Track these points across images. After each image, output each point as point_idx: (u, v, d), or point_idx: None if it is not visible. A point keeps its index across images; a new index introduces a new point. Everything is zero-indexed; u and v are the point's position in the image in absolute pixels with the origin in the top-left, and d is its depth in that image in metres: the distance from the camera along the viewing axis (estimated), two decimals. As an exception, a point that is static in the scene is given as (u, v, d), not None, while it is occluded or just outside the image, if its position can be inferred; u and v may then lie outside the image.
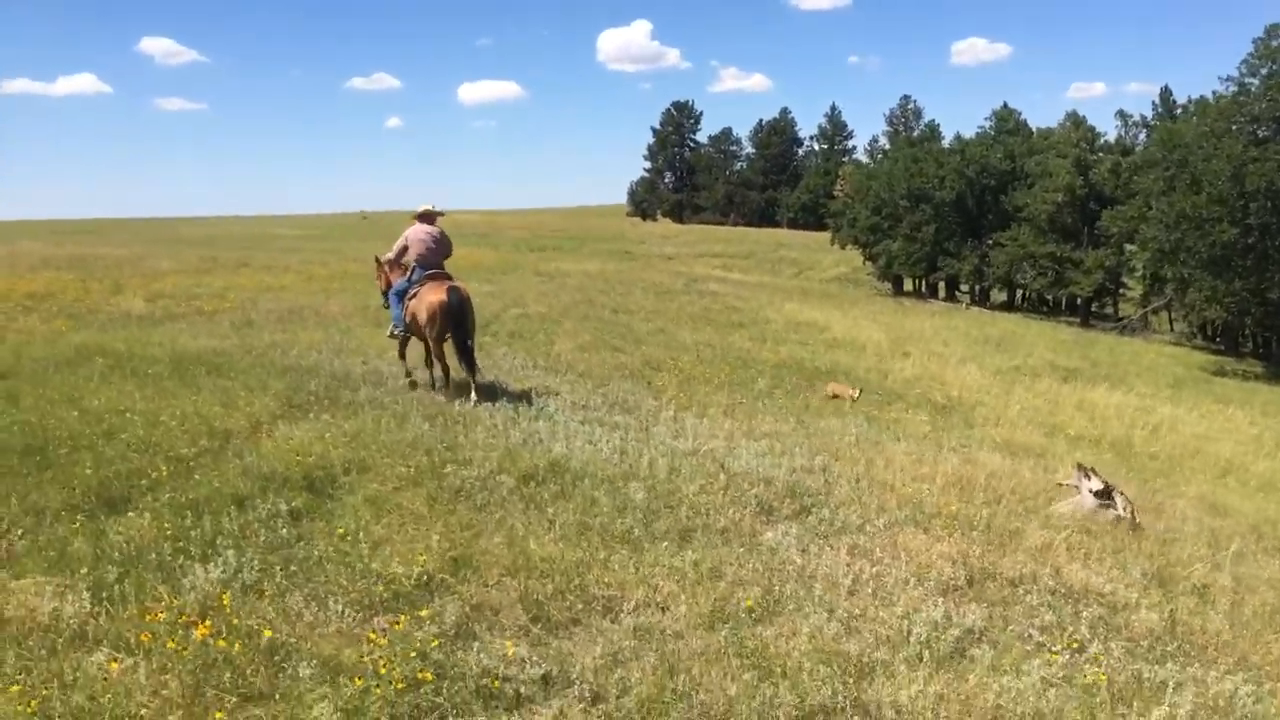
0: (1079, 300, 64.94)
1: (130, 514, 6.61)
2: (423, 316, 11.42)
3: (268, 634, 4.78)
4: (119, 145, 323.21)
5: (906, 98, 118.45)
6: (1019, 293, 73.41)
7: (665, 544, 6.92)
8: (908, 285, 76.26)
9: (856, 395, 16.71)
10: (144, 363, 12.31)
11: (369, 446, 8.78)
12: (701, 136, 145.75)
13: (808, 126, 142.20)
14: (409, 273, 12.10)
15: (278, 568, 5.83)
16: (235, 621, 4.89)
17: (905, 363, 23.37)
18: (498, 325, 20.71)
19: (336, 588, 5.64)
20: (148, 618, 4.94)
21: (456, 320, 11.35)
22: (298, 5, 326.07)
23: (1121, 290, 66.04)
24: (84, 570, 5.56)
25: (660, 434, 10.67)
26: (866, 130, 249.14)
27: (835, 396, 16.76)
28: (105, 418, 9.17)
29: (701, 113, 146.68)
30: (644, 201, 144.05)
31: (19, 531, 6.30)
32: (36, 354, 12.88)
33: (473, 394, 11.39)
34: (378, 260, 13.44)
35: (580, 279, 36.73)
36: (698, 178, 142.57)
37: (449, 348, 11.72)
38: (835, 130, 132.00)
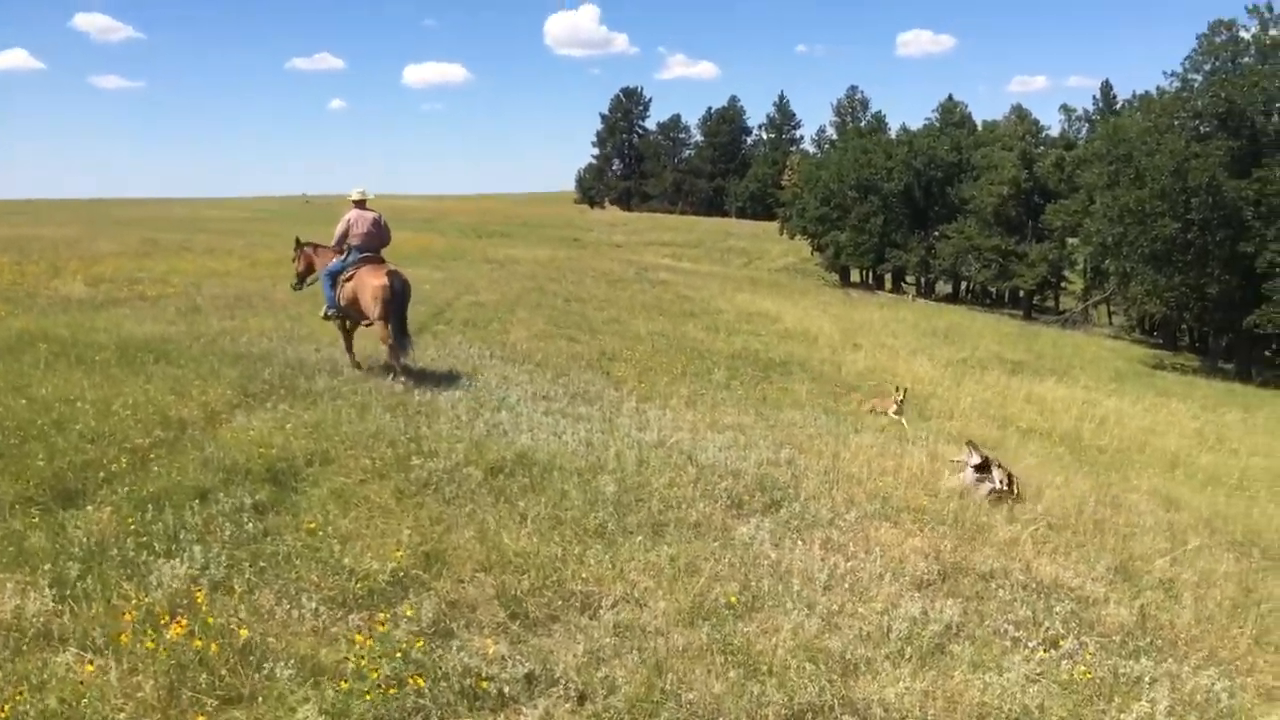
0: (1021, 293, 66.05)
1: (89, 507, 6.37)
2: (366, 298, 11.56)
3: (244, 633, 4.63)
4: (53, 123, 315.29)
5: (854, 88, 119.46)
6: (963, 285, 74.47)
7: (639, 538, 6.86)
8: (854, 276, 77.03)
9: (900, 404, 14.70)
10: (89, 349, 11.93)
11: (331, 438, 8.61)
12: (650, 124, 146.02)
13: (756, 115, 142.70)
14: (345, 255, 12.15)
15: (246, 564, 5.67)
16: (210, 620, 4.73)
17: (857, 355, 23.50)
18: (451, 313, 20.49)
19: (308, 584, 5.49)
20: (121, 616, 4.75)
21: (399, 304, 11.61)
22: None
23: (1063, 284, 67.33)
24: (45, 566, 5.35)
25: (624, 425, 10.60)
26: (815, 120, 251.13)
27: (874, 411, 14.36)
28: (54, 406, 8.86)
29: (650, 99, 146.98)
30: (592, 189, 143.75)
31: (-30, 526, 6.05)
32: (-24, 340, 12.42)
33: (400, 376, 11.62)
34: (298, 242, 13.45)
35: (530, 266, 36.49)
36: (646, 165, 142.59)
37: (378, 329, 11.81)
38: (783, 119, 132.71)
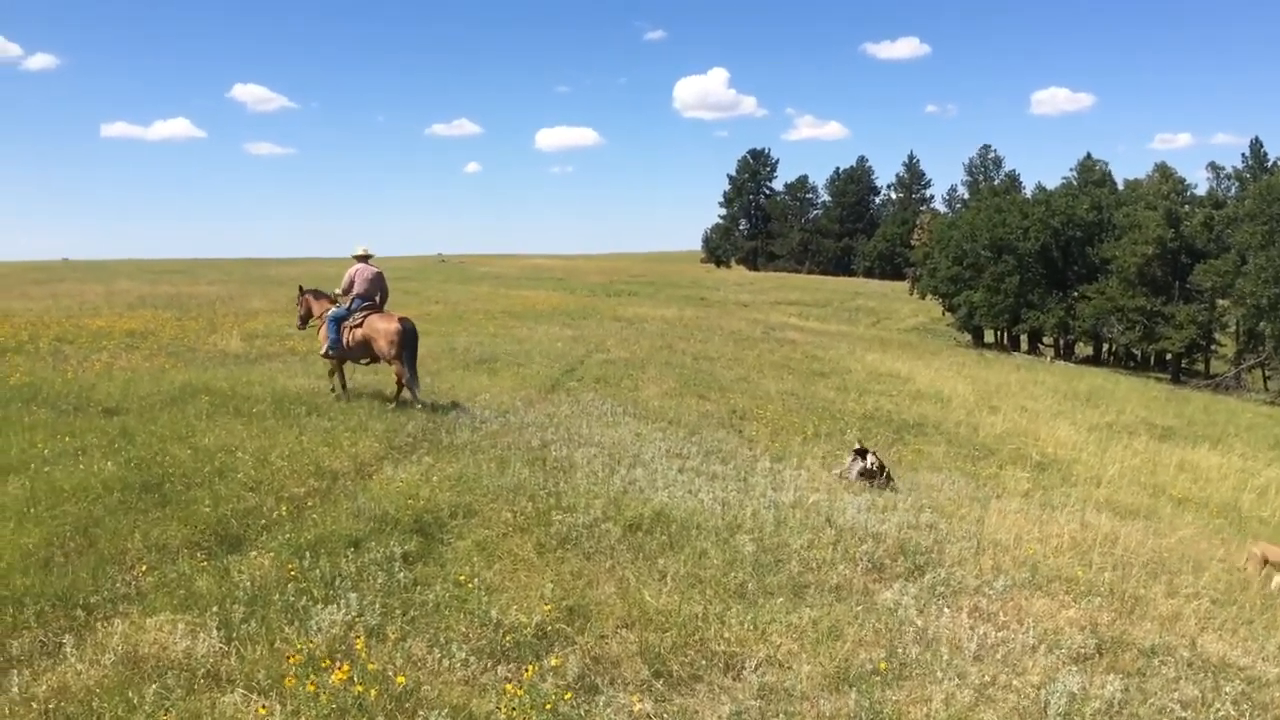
0: (1168, 356, 63.20)
1: (251, 553, 6.68)
2: (381, 342, 13.03)
3: (400, 680, 4.75)
4: (211, 188, 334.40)
5: (986, 147, 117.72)
6: (1105, 347, 71.71)
7: (780, 600, 6.78)
8: (988, 337, 75.02)
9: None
10: (247, 402, 12.55)
11: (473, 490, 8.81)
12: (777, 184, 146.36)
13: (884, 175, 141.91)
14: (349, 303, 13.52)
15: (398, 612, 5.83)
16: (370, 667, 4.86)
17: (995, 417, 22.83)
18: (582, 370, 20.77)
19: (457, 634, 5.60)
20: (285, 660, 4.93)
21: (411, 345, 13.10)
22: (384, 53, 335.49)
23: (1214, 346, 64.12)
24: (213, 608, 5.61)
25: (759, 485, 10.52)
26: (944, 179, 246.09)
27: (1267, 563, 10.53)
28: (216, 455, 9.33)
29: (777, 160, 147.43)
30: (719, 248, 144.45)
31: (144, 567, 6.40)
32: (143, 391, 13.20)
33: (399, 400, 13.29)
34: (301, 289, 14.96)
35: (659, 325, 36.78)
36: (773, 225, 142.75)
37: (395, 367, 13.23)
38: (913, 179, 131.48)
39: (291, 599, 5.86)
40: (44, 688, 4.78)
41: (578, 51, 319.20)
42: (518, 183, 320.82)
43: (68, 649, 5.17)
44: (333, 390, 13.79)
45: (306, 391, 14.05)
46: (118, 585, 6.07)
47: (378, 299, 13.70)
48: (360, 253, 13.72)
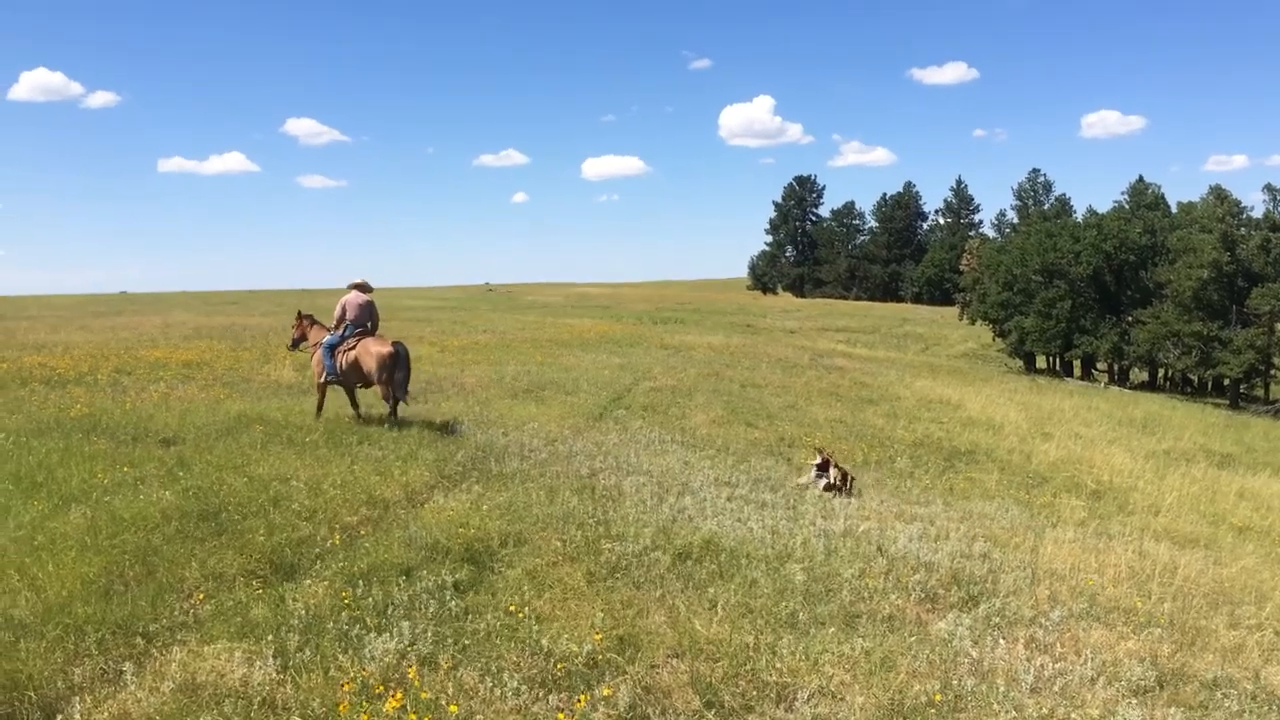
0: (1226, 381, 61.86)
1: (306, 581, 6.76)
2: (371, 364, 13.60)
3: (454, 710, 4.77)
4: (264, 220, 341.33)
5: (1035, 171, 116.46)
6: (1161, 372, 70.38)
7: (831, 629, 6.71)
8: (1040, 363, 73.99)
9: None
10: (300, 431, 12.74)
11: (523, 519, 8.85)
12: (823, 210, 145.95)
13: (932, 200, 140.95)
14: (342, 330, 14.22)
15: (450, 640, 5.86)
16: (424, 696, 4.90)
17: (1048, 444, 22.47)
18: (630, 398, 20.80)
19: (509, 663, 5.62)
20: (339, 688, 4.98)
21: (403, 367, 13.80)
22: (434, 86, 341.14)
23: (1274, 371, 62.65)
24: (268, 637, 5.68)
25: (809, 513, 10.46)
26: (993, 204, 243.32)
27: None
28: (271, 485, 9.48)
29: (824, 187, 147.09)
30: (765, 275, 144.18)
31: (201, 595, 6.50)
32: (199, 421, 13.45)
33: (394, 418, 13.90)
34: (299, 315, 15.81)
35: (705, 352, 36.74)
36: (819, 252, 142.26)
37: (380, 389, 13.92)
38: (961, 204, 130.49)
39: (345, 627, 5.92)
40: (105, 715, 4.87)
41: (624, 81, 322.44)
42: (564, 212, 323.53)
43: (128, 676, 5.27)
44: (318, 410, 14.44)
45: (357, 421, 14.22)
46: (176, 613, 6.18)
47: (369, 325, 14.38)
48: (359, 281, 14.50)
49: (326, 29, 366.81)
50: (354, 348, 13.91)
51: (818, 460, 12.48)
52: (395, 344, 13.88)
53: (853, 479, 12.69)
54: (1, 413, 14.29)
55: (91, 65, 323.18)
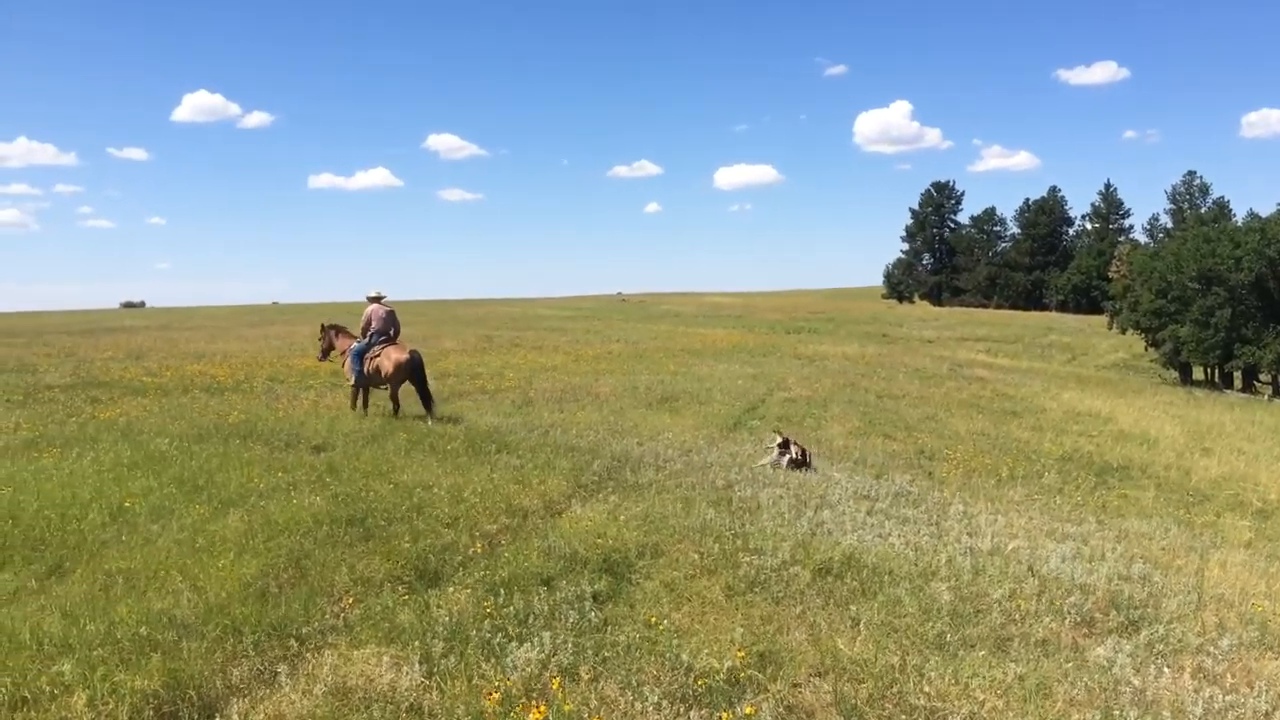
0: (1407, 393, 57.48)
1: (449, 588, 6.88)
2: (389, 368, 15.33)
3: (595, 723, 4.76)
4: (406, 232, 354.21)
5: (1192, 173, 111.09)
6: (1331, 384, 65.84)
7: (981, 652, 6.44)
8: (1197, 374, 70.18)
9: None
10: (441, 439, 13.04)
11: (660, 530, 8.81)
12: (962, 217, 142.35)
13: (1078, 205, 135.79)
14: (368, 339, 15.85)
15: (590, 652, 5.85)
16: (566, 708, 4.90)
17: (1208, 460, 21.24)
18: (764, 409, 20.61)
19: (648, 677, 5.57)
20: (484, 696, 5.03)
21: (418, 372, 15.39)
22: (569, 100, 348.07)
23: None
24: (414, 643, 5.78)
25: (953, 530, 10.12)
26: (1143, 209, 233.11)
27: None
28: (414, 492, 9.71)
29: (963, 193, 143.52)
30: (900, 283, 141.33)
31: (350, 599, 6.68)
32: (346, 429, 13.91)
33: (430, 421, 14.81)
34: (323, 326, 17.37)
35: (840, 362, 36.18)
36: (958, 259, 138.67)
37: (406, 390, 15.76)
38: (1110, 208, 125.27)
39: (488, 635, 5.98)
40: (261, 716, 5.03)
41: (757, 89, 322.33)
42: (697, 221, 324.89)
43: (282, 678, 5.43)
44: (354, 408, 15.96)
45: (496, 429, 14.49)
46: (326, 616, 6.36)
47: (391, 333, 16.02)
48: (374, 294, 16.15)
49: (465, 47, 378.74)
50: (378, 355, 15.55)
51: (779, 440, 13.53)
52: (412, 352, 15.55)
53: (811, 454, 13.83)
54: (166, 419, 15.12)
55: (248, 87, 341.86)
